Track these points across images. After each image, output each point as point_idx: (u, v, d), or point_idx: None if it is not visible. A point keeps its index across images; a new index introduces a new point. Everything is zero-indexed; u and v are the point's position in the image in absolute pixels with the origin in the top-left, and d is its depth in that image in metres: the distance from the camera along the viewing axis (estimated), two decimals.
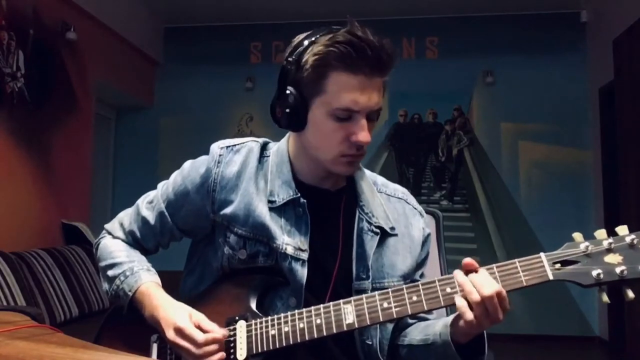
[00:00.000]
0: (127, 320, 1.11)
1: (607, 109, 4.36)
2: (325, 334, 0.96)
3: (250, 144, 1.13)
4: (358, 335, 1.07)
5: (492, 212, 4.89)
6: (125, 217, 1.20)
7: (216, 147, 1.12)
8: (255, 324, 1.00)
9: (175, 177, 1.15)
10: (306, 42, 1.01)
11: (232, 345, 1.00)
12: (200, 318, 1.01)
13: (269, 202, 1.07)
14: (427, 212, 1.49)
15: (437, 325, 1.05)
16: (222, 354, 0.98)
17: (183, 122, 5.28)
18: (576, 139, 4.82)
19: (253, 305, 1.04)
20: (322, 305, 0.98)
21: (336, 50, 0.97)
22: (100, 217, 4.61)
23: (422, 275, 1.18)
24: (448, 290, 0.94)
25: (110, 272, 1.12)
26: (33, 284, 2.95)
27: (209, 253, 1.13)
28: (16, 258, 2.92)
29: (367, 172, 1.19)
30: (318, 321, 0.97)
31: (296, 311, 0.99)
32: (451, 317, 1.01)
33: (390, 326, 1.11)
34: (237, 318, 1.02)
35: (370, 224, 1.10)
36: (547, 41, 4.90)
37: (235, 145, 1.13)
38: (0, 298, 2.64)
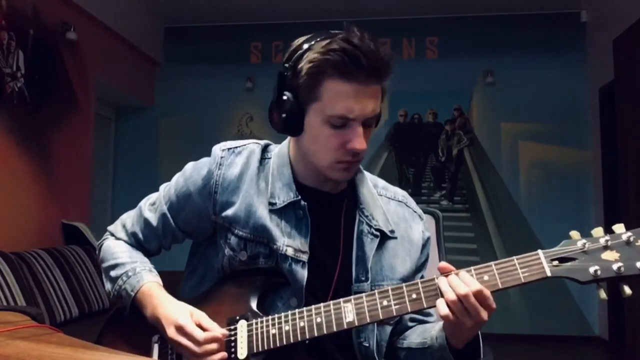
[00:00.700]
0: (129, 321, 1.12)
1: (607, 109, 4.36)
2: (325, 332, 0.97)
3: (252, 146, 1.13)
4: (355, 337, 1.08)
5: (492, 212, 4.89)
6: (128, 218, 1.21)
7: (218, 149, 1.13)
8: (256, 323, 1.01)
9: (178, 179, 1.16)
10: (303, 48, 1.01)
11: (233, 344, 1.01)
12: (201, 317, 1.01)
13: (270, 204, 1.08)
14: (427, 212, 1.49)
15: (434, 329, 1.06)
16: (223, 354, 0.99)
17: (183, 122, 5.28)
18: (576, 139, 4.82)
19: (254, 305, 1.04)
20: (322, 304, 0.99)
21: (330, 58, 0.97)
22: (100, 217, 4.62)
23: (421, 278, 1.19)
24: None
25: (112, 273, 1.13)
26: (33, 284, 2.95)
27: (210, 254, 1.14)
28: (16, 258, 2.92)
29: (367, 174, 1.19)
30: (318, 320, 0.97)
31: (297, 310, 1.00)
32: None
33: (388, 328, 1.12)
34: (237, 318, 1.03)
35: (370, 226, 1.11)
36: (547, 41, 4.90)
37: (236, 147, 1.13)
38: (0, 298, 2.64)
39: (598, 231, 0.93)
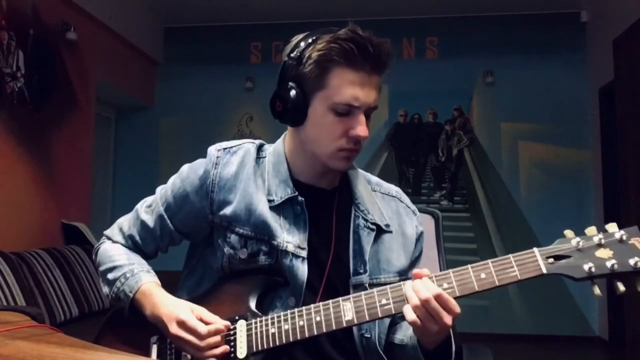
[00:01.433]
0: (127, 322, 1.12)
1: (607, 109, 4.36)
2: (325, 330, 0.98)
3: (247, 145, 1.14)
4: (357, 330, 1.08)
5: (492, 212, 4.90)
6: (125, 221, 1.21)
7: (213, 150, 1.14)
8: (255, 323, 1.02)
9: (174, 180, 1.17)
10: (309, 40, 1.04)
11: (232, 344, 1.01)
12: (202, 311, 1.02)
13: (268, 201, 1.09)
14: (427, 212, 1.50)
15: (409, 328, 1.07)
16: (225, 347, 1.00)
17: (183, 122, 5.28)
18: (576, 139, 4.82)
19: (253, 305, 1.05)
20: (321, 303, 0.99)
21: (339, 47, 1.00)
22: (100, 217, 4.62)
23: None
24: (445, 285, 0.95)
25: (110, 275, 1.13)
26: (33, 284, 2.95)
27: (208, 255, 1.14)
28: (16, 258, 2.92)
29: (360, 171, 1.21)
30: (318, 318, 0.98)
31: (296, 309, 1.00)
32: None
33: (387, 320, 1.13)
34: (237, 318, 1.03)
35: (366, 220, 1.12)
36: (547, 41, 4.90)
37: (232, 147, 1.14)
38: (0, 298, 2.64)
39: (592, 230, 0.96)
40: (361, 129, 1.03)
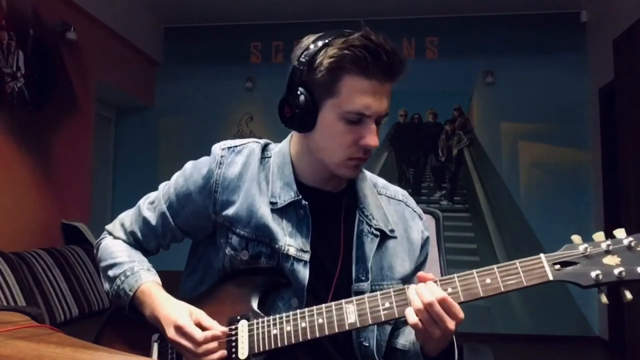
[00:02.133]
0: (128, 321, 1.12)
1: (607, 109, 4.36)
2: (327, 333, 0.97)
3: (252, 145, 1.13)
4: (355, 337, 1.07)
5: (492, 212, 4.89)
6: (127, 217, 1.21)
7: (218, 148, 1.12)
8: (257, 324, 1.01)
9: (177, 178, 1.15)
10: (319, 44, 1.01)
11: (233, 344, 1.00)
12: (201, 315, 1.01)
13: (271, 203, 1.08)
14: (427, 212, 1.49)
15: (412, 333, 1.06)
16: (222, 352, 0.98)
17: (183, 122, 5.28)
18: (576, 139, 4.82)
19: (255, 305, 1.04)
20: (324, 305, 0.98)
21: (351, 54, 0.97)
22: (100, 217, 4.61)
23: None
24: (450, 290, 0.94)
25: (110, 272, 1.13)
26: (33, 284, 2.95)
27: (210, 254, 1.13)
28: (16, 258, 2.92)
29: (367, 173, 1.19)
30: (320, 321, 0.97)
31: (298, 311, 0.99)
32: None
33: (388, 328, 1.12)
34: (239, 318, 1.03)
35: (370, 226, 1.11)
36: (547, 41, 4.90)
37: (237, 146, 1.12)
38: (0, 298, 2.64)
39: (599, 236, 0.93)
40: (372, 139, 1.01)
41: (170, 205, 1.14)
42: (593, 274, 0.90)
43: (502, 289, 0.93)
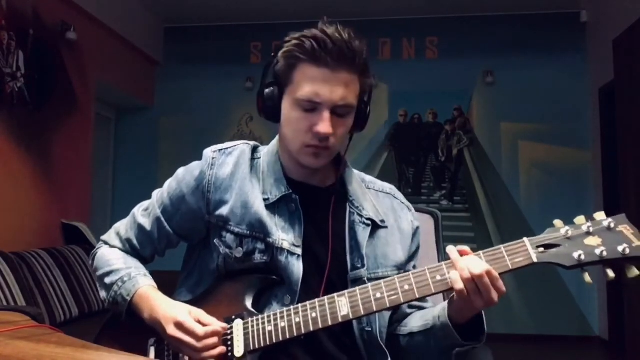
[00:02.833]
0: (124, 327, 1.12)
1: (607, 109, 4.36)
2: (321, 326, 0.99)
3: (242, 147, 1.16)
4: (357, 324, 1.09)
5: (492, 212, 4.89)
6: (122, 226, 1.22)
7: (209, 151, 1.15)
8: (252, 322, 1.02)
9: (170, 182, 1.18)
10: (286, 39, 1.08)
11: (229, 343, 1.02)
12: (200, 313, 1.03)
13: (264, 199, 1.10)
14: (426, 212, 1.50)
15: (435, 310, 1.08)
16: (222, 348, 1.00)
17: (183, 122, 5.28)
18: (576, 139, 4.82)
19: (249, 304, 1.06)
20: (317, 300, 1.00)
21: (301, 43, 1.03)
22: (100, 217, 4.62)
23: (414, 267, 1.21)
24: (438, 277, 0.97)
25: (107, 280, 1.13)
26: (33, 284, 2.95)
27: (205, 256, 1.15)
28: (16, 258, 2.92)
29: (355, 171, 1.22)
30: (313, 315, 0.99)
31: (292, 307, 1.01)
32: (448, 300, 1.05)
33: (387, 314, 1.13)
34: (234, 317, 1.04)
35: (361, 216, 1.14)
36: (547, 41, 4.90)
37: (227, 148, 1.16)
38: (0, 298, 2.64)
39: (580, 219, 0.97)
40: (323, 126, 1.03)
41: (165, 210, 1.16)
42: (575, 254, 0.93)
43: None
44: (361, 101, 1.10)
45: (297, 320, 0.99)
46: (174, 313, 1.01)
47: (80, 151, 4.09)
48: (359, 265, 1.10)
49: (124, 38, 4.62)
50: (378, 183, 1.24)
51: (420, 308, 1.18)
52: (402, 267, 1.15)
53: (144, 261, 1.20)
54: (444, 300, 1.31)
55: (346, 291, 1.00)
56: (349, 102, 1.05)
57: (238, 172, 1.12)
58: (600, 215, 0.97)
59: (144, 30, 5.03)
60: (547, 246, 0.95)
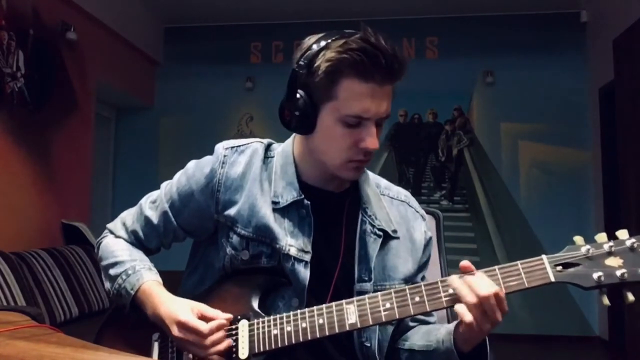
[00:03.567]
0: (128, 320, 1.12)
1: (607, 109, 4.36)
2: (327, 333, 0.96)
3: (255, 145, 1.13)
4: (357, 338, 1.07)
5: (492, 212, 4.89)
6: (128, 216, 1.21)
7: (221, 148, 1.12)
8: (258, 323, 1.01)
9: (180, 177, 1.15)
10: (318, 47, 1.00)
11: (234, 344, 1.00)
12: (202, 308, 1.01)
13: (273, 203, 1.08)
14: (427, 212, 1.49)
15: (439, 332, 1.04)
16: (228, 342, 0.99)
17: (183, 122, 5.28)
18: (576, 139, 4.82)
19: (255, 305, 1.04)
20: (324, 305, 0.98)
21: (349, 57, 0.96)
22: (100, 217, 4.61)
23: (423, 278, 1.18)
24: (450, 291, 0.93)
25: (112, 271, 1.13)
26: (33, 284, 2.95)
27: (211, 253, 1.13)
28: (16, 258, 2.92)
29: (370, 174, 1.19)
30: (320, 321, 0.97)
31: (299, 311, 0.99)
32: (453, 324, 1.01)
33: (390, 328, 1.11)
34: (239, 317, 1.03)
35: (373, 226, 1.10)
36: (547, 41, 4.90)
37: (240, 145, 1.13)
38: (0, 298, 2.64)
39: (602, 237, 0.92)
40: (371, 141, 1.00)
41: (173, 205, 1.14)
42: (595, 275, 0.89)
43: (504, 290, 0.92)
44: None
45: (304, 325, 0.97)
46: (176, 312, 1.00)
47: (80, 151, 4.09)
48: (366, 278, 1.07)
49: (124, 38, 4.62)
50: (393, 189, 1.21)
51: (424, 322, 1.15)
52: (410, 280, 1.12)
53: (149, 252, 1.19)
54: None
55: (355, 298, 0.97)
56: (389, 112, 1.03)
57: (249, 173, 1.09)
58: (623, 234, 0.91)
59: (144, 30, 5.03)
60: (566, 265, 0.91)
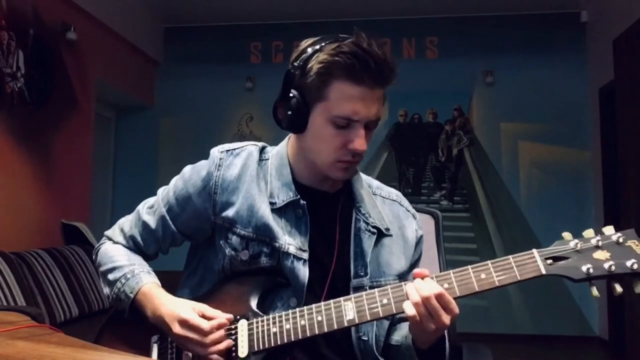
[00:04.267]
0: (127, 323, 1.12)
1: (607, 109, 4.36)
2: (326, 330, 0.98)
3: (250, 148, 1.15)
4: (354, 332, 1.09)
5: (492, 212, 4.90)
6: (126, 222, 1.22)
7: (216, 151, 1.14)
8: (257, 322, 1.02)
9: (176, 181, 1.17)
10: (312, 49, 1.04)
11: (234, 343, 1.01)
12: (203, 307, 1.03)
13: (270, 203, 1.10)
14: (427, 212, 1.49)
15: (406, 329, 1.08)
16: (229, 341, 1.00)
17: (183, 122, 5.28)
18: (576, 139, 4.82)
19: (254, 305, 1.05)
20: (322, 303, 1.00)
21: (340, 60, 1.00)
22: (100, 217, 4.62)
23: None
24: (446, 285, 0.96)
25: (110, 276, 1.13)
26: (33, 284, 2.95)
27: (209, 256, 1.14)
28: (16, 258, 2.92)
29: (362, 175, 1.22)
30: (319, 318, 0.99)
31: (297, 309, 1.01)
32: None
33: (386, 323, 1.14)
34: (238, 317, 1.04)
35: (367, 223, 1.13)
36: (547, 41, 4.90)
37: (235, 149, 1.15)
38: (0, 298, 2.64)
39: (589, 232, 0.97)
40: (359, 142, 1.03)
41: (170, 209, 1.15)
42: (584, 267, 0.93)
43: (497, 284, 0.96)
44: None
45: (302, 323, 0.99)
46: (177, 311, 1.01)
47: (80, 151, 4.09)
48: (362, 274, 1.10)
49: (124, 38, 4.62)
50: (385, 189, 1.24)
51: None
52: (404, 276, 1.15)
53: (147, 258, 1.20)
54: None
55: (352, 295, 1.00)
56: (379, 116, 1.06)
57: (245, 174, 1.11)
58: (609, 230, 0.97)
59: (144, 30, 5.03)
60: (556, 258, 0.95)
